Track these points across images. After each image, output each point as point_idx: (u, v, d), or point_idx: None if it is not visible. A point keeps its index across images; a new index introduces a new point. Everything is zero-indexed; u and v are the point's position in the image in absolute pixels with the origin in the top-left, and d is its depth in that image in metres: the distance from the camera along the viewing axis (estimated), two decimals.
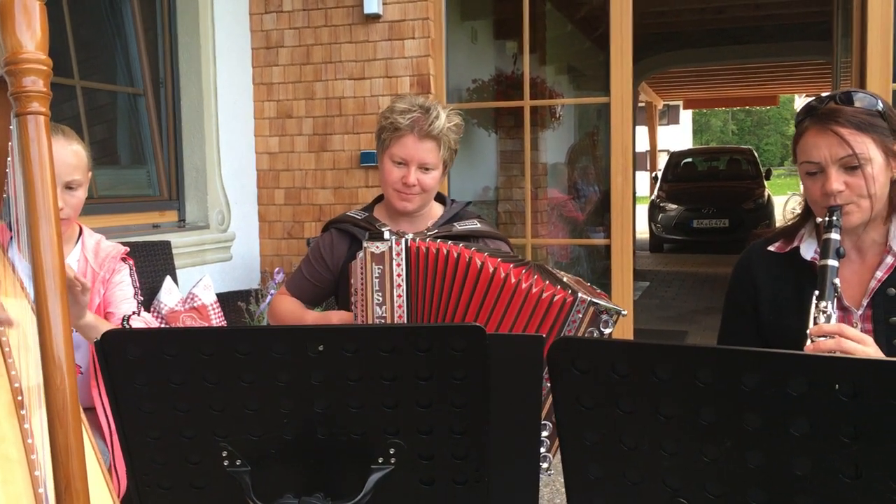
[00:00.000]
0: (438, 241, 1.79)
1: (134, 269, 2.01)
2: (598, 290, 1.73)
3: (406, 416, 1.04)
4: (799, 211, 1.70)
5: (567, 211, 7.45)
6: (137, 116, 4.17)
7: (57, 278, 1.15)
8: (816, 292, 1.44)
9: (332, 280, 2.08)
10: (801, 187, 1.62)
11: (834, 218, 1.48)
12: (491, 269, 1.71)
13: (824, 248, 1.47)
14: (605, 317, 1.65)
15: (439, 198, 2.16)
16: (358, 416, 1.05)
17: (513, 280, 1.70)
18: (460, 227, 2.03)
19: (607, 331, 1.66)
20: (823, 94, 1.58)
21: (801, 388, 0.82)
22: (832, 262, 1.44)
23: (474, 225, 2.05)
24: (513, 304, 1.70)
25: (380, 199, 2.15)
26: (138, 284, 2.00)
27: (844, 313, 1.56)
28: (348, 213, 2.11)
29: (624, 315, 1.68)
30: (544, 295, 1.67)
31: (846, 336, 1.37)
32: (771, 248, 1.68)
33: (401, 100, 2.03)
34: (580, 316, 1.65)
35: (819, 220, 1.53)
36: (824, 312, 1.41)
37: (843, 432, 0.81)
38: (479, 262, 1.72)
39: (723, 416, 0.86)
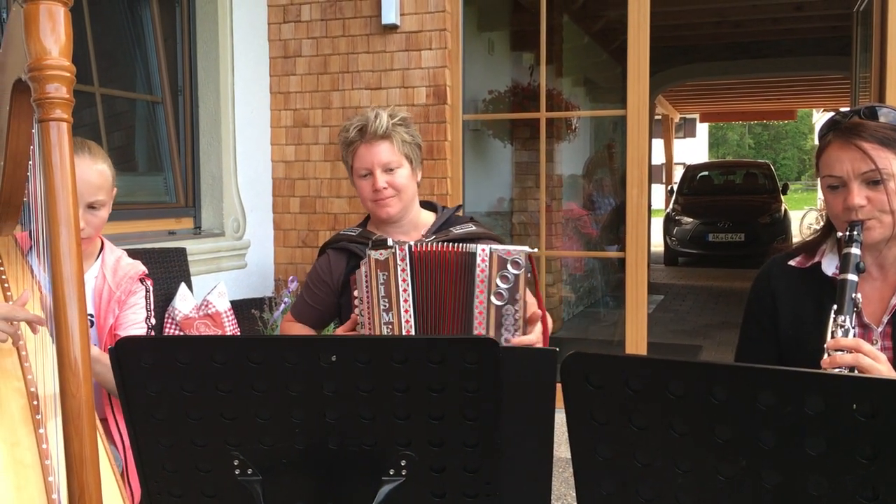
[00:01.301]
0: (437, 244, 1.80)
1: (151, 290, 1.99)
2: (518, 246, 1.79)
3: (418, 428, 1.04)
4: (816, 226, 1.69)
5: (582, 225, 7.43)
6: (155, 124, 4.20)
7: (76, 285, 1.16)
8: (835, 306, 1.42)
9: (334, 302, 2.08)
10: (820, 202, 1.61)
11: (855, 233, 1.47)
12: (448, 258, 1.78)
13: (844, 263, 1.46)
14: (510, 257, 1.72)
15: (430, 206, 2.17)
16: (370, 427, 1.04)
17: (444, 257, 1.78)
18: (457, 231, 2.04)
19: (519, 271, 1.71)
20: (847, 108, 1.57)
21: (818, 407, 0.81)
22: (851, 277, 1.43)
23: (470, 228, 2.06)
24: (449, 280, 1.78)
25: (370, 217, 2.16)
26: (152, 307, 1.98)
27: (864, 330, 1.55)
28: (342, 232, 2.13)
29: (531, 251, 1.74)
30: (455, 258, 1.76)
31: (863, 352, 1.35)
32: (791, 263, 1.67)
33: (347, 120, 2.08)
34: (486, 263, 1.73)
35: (840, 234, 1.52)
36: (842, 327, 1.40)
37: (861, 453, 0.80)
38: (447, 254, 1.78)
39: (738, 434, 0.85)
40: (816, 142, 1.65)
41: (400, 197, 2.01)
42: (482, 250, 1.73)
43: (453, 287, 1.76)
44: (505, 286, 1.72)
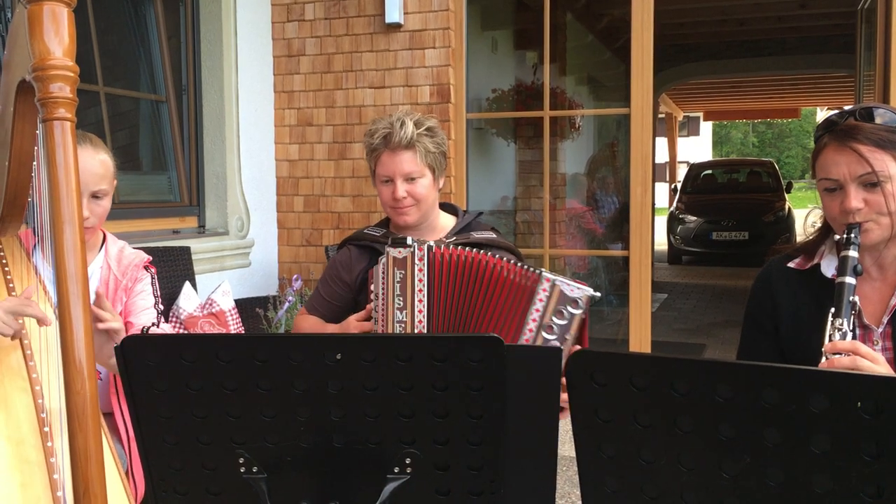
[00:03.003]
0: (457, 247, 1.80)
1: (156, 277, 2.02)
2: (579, 281, 1.73)
3: (422, 426, 1.04)
4: (819, 224, 1.68)
5: (586, 223, 7.43)
6: (160, 123, 4.21)
7: (80, 283, 1.16)
8: (833, 309, 1.41)
9: (351, 297, 2.09)
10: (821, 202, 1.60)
11: (852, 235, 1.46)
12: (499, 270, 1.74)
13: (841, 266, 1.45)
14: (572, 295, 1.66)
15: (451, 209, 2.17)
16: (374, 424, 1.05)
17: (502, 273, 1.74)
18: (477, 235, 2.04)
19: (577, 312, 1.66)
20: (844, 109, 1.56)
21: (822, 405, 0.81)
22: (849, 280, 1.42)
23: (490, 235, 2.06)
24: (501, 295, 1.73)
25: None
26: (159, 294, 2.01)
27: (865, 331, 1.54)
28: (365, 231, 2.13)
29: (597, 297, 1.69)
30: (514, 277, 1.72)
31: (860, 354, 1.35)
32: (791, 265, 1.66)
33: (373, 122, 2.06)
34: (546, 294, 1.68)
35: (836, 237, 1.51)
36: (839, 330, 1.38)
37: (865, 450, 0.80)
38: (499, 268, 1.74)
39: (742, 432, 0.85)
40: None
41: (419, 206, 2.01)
42: (547, 279, 1.67)
43: (488, 297, 1.74)
44: (559, 322, 1.67)
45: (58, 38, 1.18)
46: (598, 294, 1.70)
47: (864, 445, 0.80)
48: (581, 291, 1.67)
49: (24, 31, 1.22)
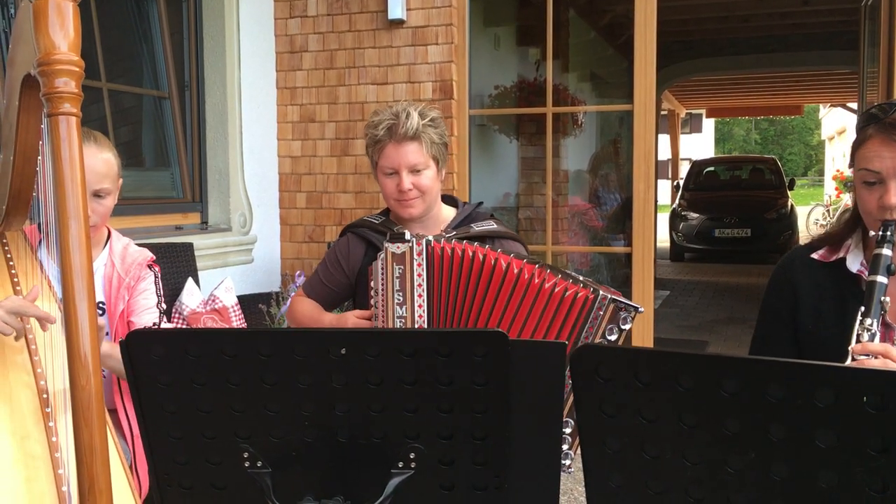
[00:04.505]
0: (455, 241, 1.80)
1: (159, 276, 2.01)
2: (612, 289, 1.73)
3: (427, 421, 1.04)
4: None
5: (588, 219, 7.42)
6: (162, 119, 4.21)
7: (85, 278, 1.16)
8: (862, 308, 1.38)
9: (348, 284, 2.09)
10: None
11: (888, 233, 1.42)
12: (515, 271, 1.72)
13: (874, 264, 1.41)
14: (624, 314, 1.66)
15: (451, 201, 2.17)
16: (379, 419, 1.05)
17: (536, 281, 1.71)
18: (477, 227, 2.03)
19: (626, 327, 1.66)
20: (885, 103, 1.51)
21: (827, 400, 0.81)
22: (881, 279, 1.39)
23: (490, 225, 2.06)
24: (536, 304, 1.71)
25: None
26: (162, 293, 2.00)
27: (886, 329, 1.51)
28: (366, 218, 2.12)
29: (641, 312, 1.68)
30: (567, 293, 1.69)
31: (892, 358, 1.32)
32: (814, 256, 1.63)
33: (375, 114, 2.05)
34: (601, 313, 1.66)
35: (872, 233, 1.48)
36: (869, 331, 1.36)
37: (870, 445, 0.80)
38: (503, 264, 1.73)
39: (747, 427, 0.85)
40: (852, 134, 1.59)
41: (424, 198, 2.00)
42: (603, 298, 1.66)
43: (492, 293, 1.73)
44: (611, 338, 1.67)
45: (63, 32, 1.18)
46: (643, 309, 1.69)
47: (870, 440, 0.80)
48: (632, 307, 1.66)
49: (28, 26, 1.22)
